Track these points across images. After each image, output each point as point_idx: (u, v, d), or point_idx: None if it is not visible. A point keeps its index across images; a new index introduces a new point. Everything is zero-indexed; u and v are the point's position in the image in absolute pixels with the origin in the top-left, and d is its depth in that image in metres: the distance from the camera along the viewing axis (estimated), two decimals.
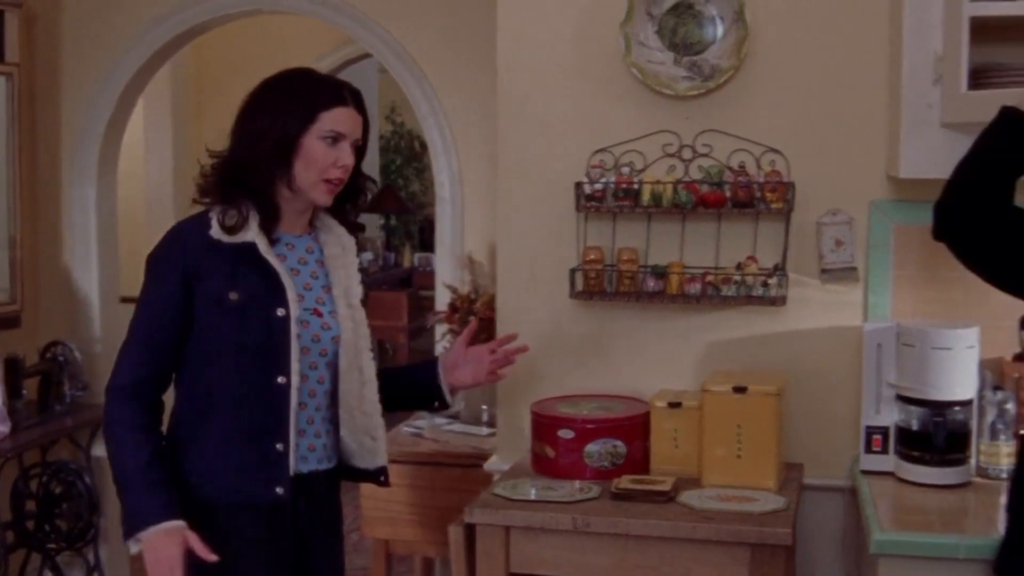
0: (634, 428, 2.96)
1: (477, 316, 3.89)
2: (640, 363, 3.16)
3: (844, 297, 3.04)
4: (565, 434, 2.94)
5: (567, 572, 2.74)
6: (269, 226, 2.47)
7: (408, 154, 8.84)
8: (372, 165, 8.79)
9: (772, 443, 2.85)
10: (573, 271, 3.12)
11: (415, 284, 7.91)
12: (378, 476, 2.63)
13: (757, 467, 2.85)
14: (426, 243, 8.88)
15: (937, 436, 2.74)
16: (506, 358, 2.85)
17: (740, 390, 2.85)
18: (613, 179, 3.09)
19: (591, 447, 2.93)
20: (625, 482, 2.83)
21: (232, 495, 2.44)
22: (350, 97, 2.50)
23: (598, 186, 3.10)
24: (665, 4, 3.06)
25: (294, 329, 2.44)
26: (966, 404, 2.77)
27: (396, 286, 7.74)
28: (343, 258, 2.59)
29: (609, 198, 3.09)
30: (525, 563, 2.75)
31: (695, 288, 3.05)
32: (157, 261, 2.47)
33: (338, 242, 2.59)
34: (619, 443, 2.94)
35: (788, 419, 2.99)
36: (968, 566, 2.39)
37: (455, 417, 4.07)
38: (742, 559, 2.61)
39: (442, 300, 4.61)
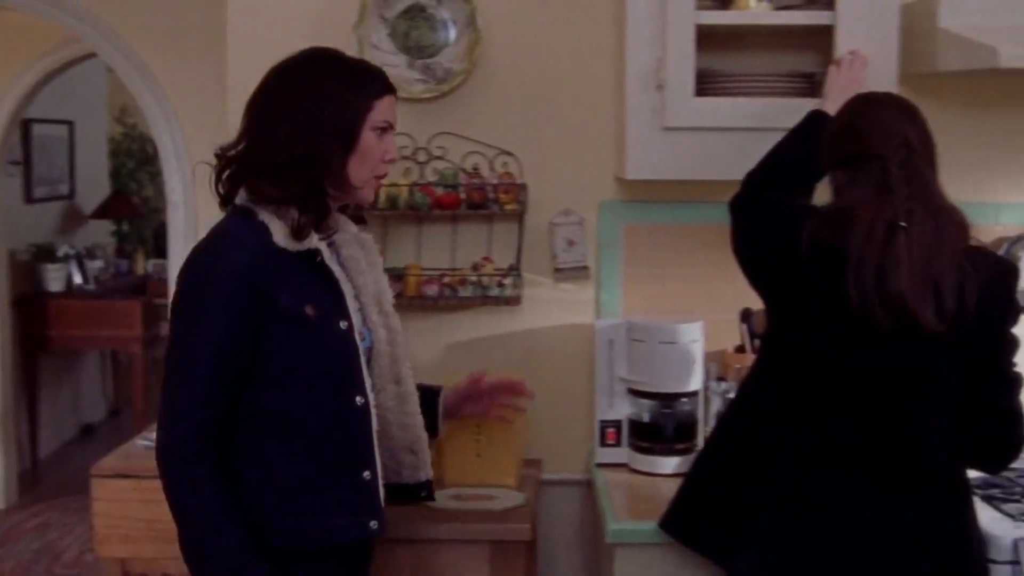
0: None
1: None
2: None
3: (577, 295, 3.12)
4: None
5: None
6: (320, 229, 2.21)
7: (141, 157, 8.53)
8: (102, 169, 8.46)
9: (511, 441, 2.89)
10: None
11: (149, 292, 7.63)
12: (419, 492, 2.45)
13: (497, 465, 2.89)
14: (161, 249, 8.56)
15: (666, 427, 2.86)
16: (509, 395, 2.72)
17: None
18: None
19: None
20: None
21: (318, 538, 2.18)
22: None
23: None
24: (397, 7, 3.06)
25: (359, 343, 2.23)
26: (693, 395, 2.89)
27: (129, 294, 7.46)
28: (366, 260, 2.33)
29: None
30: None
31: (433, 290, 3.06)
32: (213, 278, 2.12)
33: (355, 241, 2.32)
34: None
35: (526, 416, 3.04)
36: None
37: None
38: (483, 556, 2.65)
39: None
